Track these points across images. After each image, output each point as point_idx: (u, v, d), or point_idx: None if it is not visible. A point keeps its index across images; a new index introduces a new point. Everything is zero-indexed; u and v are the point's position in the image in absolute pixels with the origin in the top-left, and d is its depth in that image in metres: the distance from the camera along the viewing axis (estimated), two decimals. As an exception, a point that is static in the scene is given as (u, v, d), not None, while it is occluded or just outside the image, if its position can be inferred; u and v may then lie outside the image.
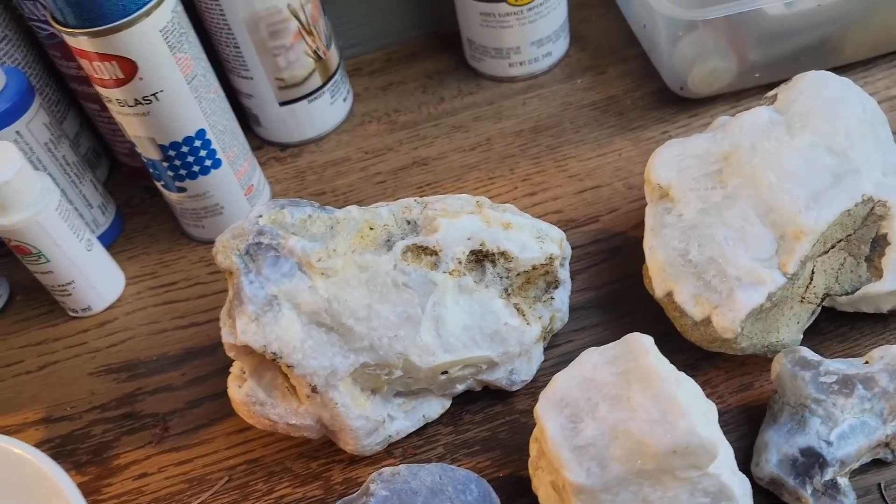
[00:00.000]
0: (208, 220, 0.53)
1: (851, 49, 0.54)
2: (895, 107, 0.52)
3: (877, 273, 0.41)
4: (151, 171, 0.51)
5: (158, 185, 0.52)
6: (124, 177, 0.60)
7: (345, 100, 0.60)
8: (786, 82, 0.45)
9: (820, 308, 0.41)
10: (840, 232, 0.40)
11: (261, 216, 0.40)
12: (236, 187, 0.52)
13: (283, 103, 0.57)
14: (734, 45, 0.52)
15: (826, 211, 0.39)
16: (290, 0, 0.52)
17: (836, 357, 0.42)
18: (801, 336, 0.41)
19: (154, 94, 0.46)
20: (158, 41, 0.44)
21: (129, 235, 0.57)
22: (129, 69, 0.45)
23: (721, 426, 0.40)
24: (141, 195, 0.59)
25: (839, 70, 0.53)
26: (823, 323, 0.43)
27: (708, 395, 0.42)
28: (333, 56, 0.57)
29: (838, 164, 0.40)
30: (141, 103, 0.46)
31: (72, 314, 0.52)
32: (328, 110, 0.59)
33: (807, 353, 0.39)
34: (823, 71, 0.44)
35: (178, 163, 0.50)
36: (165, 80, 0.46)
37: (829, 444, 0.36)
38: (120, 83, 0.45)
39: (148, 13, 0.43)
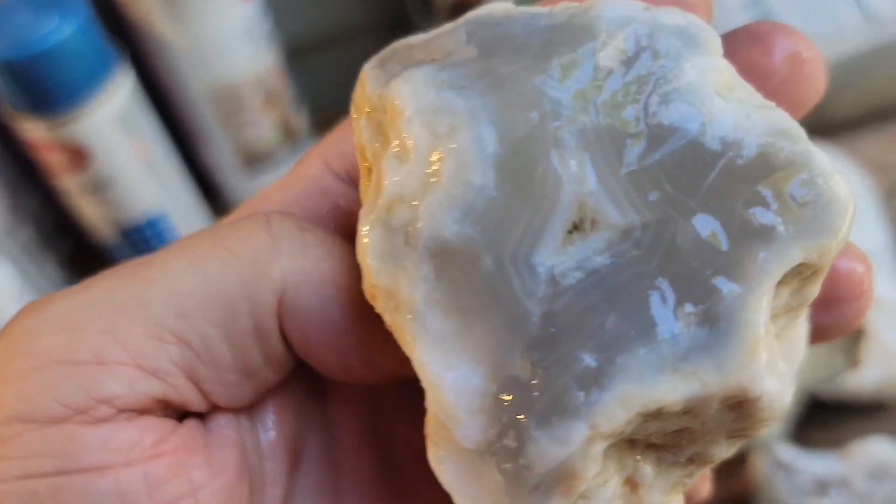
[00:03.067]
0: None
1: (840, 114, 0.53)
2: (882, 173, 0.52)
3: (853, 362, 0.40)
4: (110, 254, 0.51)
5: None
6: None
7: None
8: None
9: (801, 401, 0.41)
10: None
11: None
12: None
13: (248, 175, 0.56)
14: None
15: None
16: (252, 72, 0.52)
17: (818, 448, 0.41)
18: (781, 429, 0.41)
19: (111, 179, 0.46)
20: (114, 127, 0.44)
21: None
22: (82, 157, 0.45)
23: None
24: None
25: (827, 135, 0.53)
26: (809, 411, 0.42)
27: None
28: (301, 124, 0.57)
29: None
30: (98, 190, 0.46)
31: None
32: (297, 179, 0.58)
33: (783, 451, 0.38)
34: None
35: (139, 246, 0.49)
36: (122, 166, 0.46)
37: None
38: (74, 171, 0.45)
39: (102, 99, 0.43)
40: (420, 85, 0.16)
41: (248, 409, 0.19)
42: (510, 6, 0.17)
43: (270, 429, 0.19)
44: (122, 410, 0.16)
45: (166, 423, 0.17)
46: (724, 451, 0.17)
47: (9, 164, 0.55)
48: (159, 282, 0.17)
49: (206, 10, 0.48)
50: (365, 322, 0.17)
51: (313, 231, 0.18)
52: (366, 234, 0.16)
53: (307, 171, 0.20)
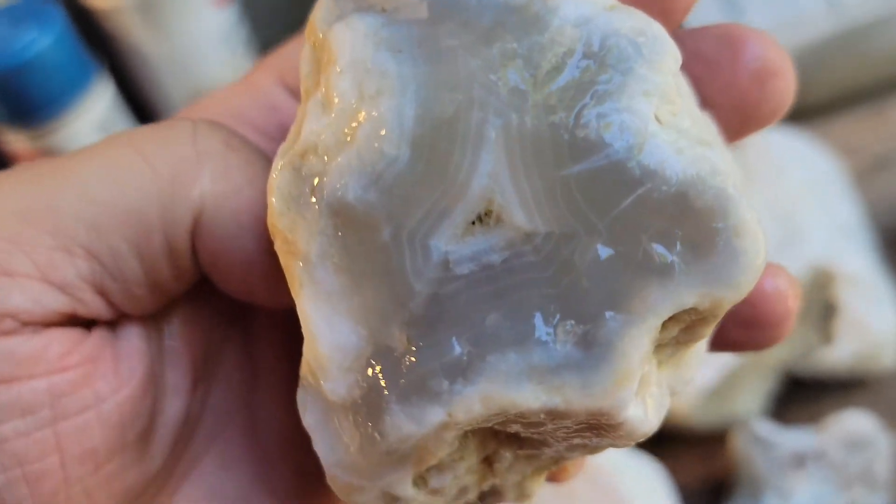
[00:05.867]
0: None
1: (809, 99, 0.55)
2: (852, 156, 0.53)
3: (826, 338, 0.41)
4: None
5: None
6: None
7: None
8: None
9: (778, 378, 0.42)
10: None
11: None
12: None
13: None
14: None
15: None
16: (230, 78, 0.53)
17: (796, 424, 0.42)
18: (759, 407, 0.42)
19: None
20: (95, 136, 0.46)
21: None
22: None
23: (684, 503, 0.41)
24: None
25: (797, 119, 0.54)
26: (787, 389, 0.44)
27: (669, 470, 0.42)
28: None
29: (783, 231, 0.41)
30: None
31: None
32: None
33: (761, 427, 0.40)
34: (775, 126, 0.45)
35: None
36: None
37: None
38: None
39: (82, 108, 0.45)
40: (360, 37, 0.16)
41: (157, 318, 0.19)
42: None
43: (177, 338, 0.19)
44: (27, 323, 0.16)
45: (73, 334, 0.17)
46: (586, 453, 0.18)
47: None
48: (72, 189, 0.16)
49: (183, 19, 0.50)
50: (274, 254, 0.17)
51: (240, 150, 0.18)
52: (277, 173, 0.16)
53: (259, 81, 0.19)
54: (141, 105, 0.54)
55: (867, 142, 0.52)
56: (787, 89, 0.18)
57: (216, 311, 0.19)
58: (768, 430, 0.39)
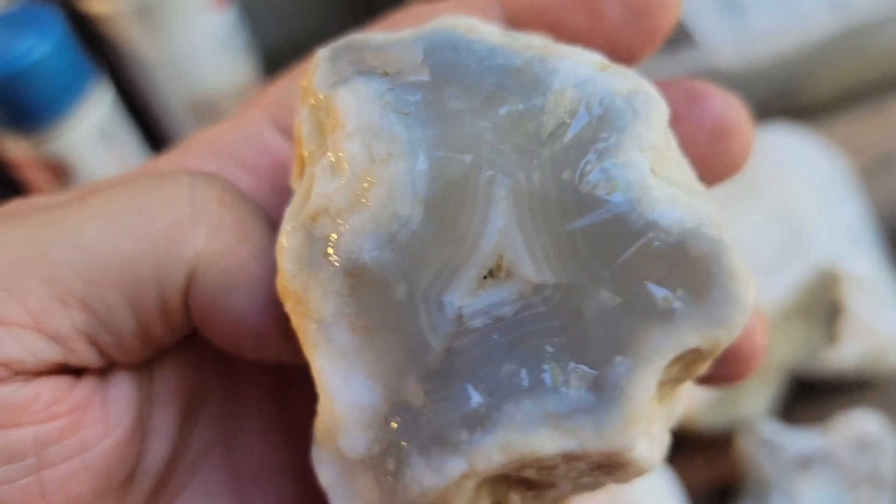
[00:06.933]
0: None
1: (812, 98, 0.55)
2: (855, 155, 0.53)
3: (832, 340, 0.42)
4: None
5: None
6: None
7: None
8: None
9: (784, 380, 0.42)
10: (792, 304, 0.41)
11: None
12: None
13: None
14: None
15: (774, 290, 0.40)
16: (229, 83, 0.53)
17: (802, 425, 0.42)
18: (765, 409, 0.42)
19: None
20: (95, 142, 0.46)
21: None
22: (64, 173, 0.46)
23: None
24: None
25: (800, 118, 0.54)
26: (793, 390, 0.44)
27: (676, 472, 0.42)
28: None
29: (787, 233, 0.41)
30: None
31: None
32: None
33: (766, 429, 0.40)
34: (778, 126, 0.45)
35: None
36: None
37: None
38: (57, 188, 0.47)
39: (82, 114, 0.45)
40: (365, 102, 0.17)
41: (147, 364, 0.19)
42: (475, 23, 0.18)
43: (166, 383, 0.19)
44: (18, 372, 0.16)
45: (63, 382, 0.17)
46: (590, 490, 0.18)
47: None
48: (69, 240, 0.17)
49: (181, 23, 0.50)
50: (265, 312, 0.18)
51: (234, 208, 0.18)
52: (287, 236, 0.17)
53: (250, 119, 0.20)
54: (140, 110, 0.54)
55: (870, 141, 0.52)
56: (743, 148, 0.19)
57: (206, 353, 0.20)
58: (775, 431, 0.40)
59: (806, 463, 0.38)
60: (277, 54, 0.61)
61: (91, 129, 0.45)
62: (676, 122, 0.18)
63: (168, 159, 0.20)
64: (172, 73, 0.51)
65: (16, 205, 0.18)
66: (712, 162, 0.19)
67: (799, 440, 0.39)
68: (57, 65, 0.44)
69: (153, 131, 0.55)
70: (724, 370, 0.19)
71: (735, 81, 0.52)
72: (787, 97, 0.54)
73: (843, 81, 0.53)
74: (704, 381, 0.20)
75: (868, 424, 0.39)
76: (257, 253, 0.18)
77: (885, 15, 0.49)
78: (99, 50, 0.49)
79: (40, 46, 0.43)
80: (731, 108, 0.19)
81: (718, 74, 0.52)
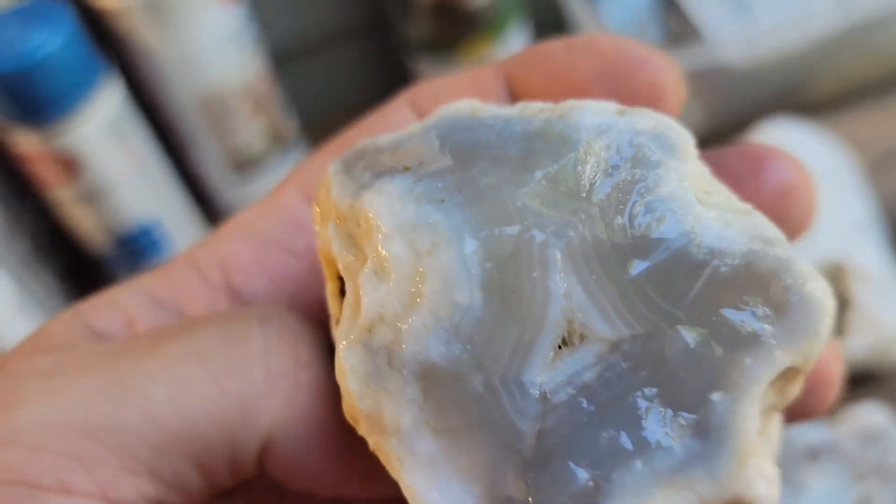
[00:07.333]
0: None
1: (818, 94, 0.55)
2: (861, 150, 0.54)
3: (839, 332, 0.42)
4: (106, 264, 0.53)
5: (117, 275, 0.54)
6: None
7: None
8: (747, 133, 0.47)
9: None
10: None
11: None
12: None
13: (238, 181, 0.58)
14: (695, 98, 0.54)
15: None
16: (239, 79, 0.54)
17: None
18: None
19: (104, 188, 0.48)
20: (105, 136, 0.46)
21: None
22: (74, 167, 0.46)
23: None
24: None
25: (807, 113, 0.55)
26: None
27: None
28: (290, 129, 0.59)
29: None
30: (91, 199, 0.48)
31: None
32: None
33: (774, 421, 0.40)
34: (785, 120, 0.46)
35: (134, 256, 0.51)
36: (114, 175, 0.47)
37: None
38: (66, 181, 0.47)
39: (92, 109, 0.45)
40: (396, 199, 0.16)
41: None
42: (477, 104, 0.17)
43: None
44: None
45: None
46: None
47: (4, 177, 0.57)
48: (137, 406, 0.16)
49: (192, 19, 0.50)
50: (345, 459, 0.17)
51: (310, 368, 0.18)
52: (345, 355, 0.16)
53: (283, 199, 0.19)
54: (151, 106, 0.54)
55: (875, 136, 0.52)
56: (809, 208, 0.19)
57: (260, 489, 0.20)
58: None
59: (813, 455, 0.39)
60: (287, 50, 0.62)
61: (101, 123, 0.46)
62: (739, 187, 0.18)
63: (207, 247, 0.19)
64: (182, 68, 0.51)
65: (80, 351, 0.18)
66: (780, 218, 0.18)
67: (806, 432, 0.39)
68: (67, 59, 0.44)
69: (163, 126, 0.55)
70: (804, 404, 0.19)
71: (741, 77, 0.53)
72: (794, 93, 0.54)
73: (848, 77, 0.53)
74: (788, 417, 0.19)
75: (875, 417, 0.39)
76: (334, 408, 0.17)
77: (891, 11, 0.49)
78: (109, 45, 0.49)
79: (51, 41, 0.43)
80: (794, 170, 0.19)
81: (725, 70, 0.52)
